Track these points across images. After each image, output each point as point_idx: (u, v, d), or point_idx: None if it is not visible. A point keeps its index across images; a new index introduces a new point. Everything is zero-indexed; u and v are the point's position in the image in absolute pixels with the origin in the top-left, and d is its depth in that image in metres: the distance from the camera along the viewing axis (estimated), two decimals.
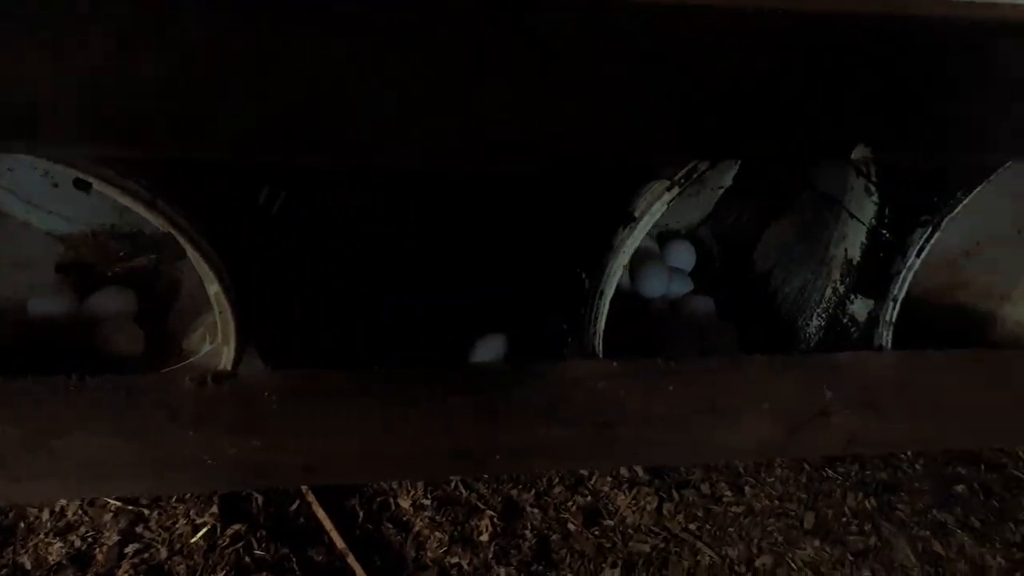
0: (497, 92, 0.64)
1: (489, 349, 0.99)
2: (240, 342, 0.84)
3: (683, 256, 1.28)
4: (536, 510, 1.33)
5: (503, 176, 0.91)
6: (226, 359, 0.86)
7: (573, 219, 0.91)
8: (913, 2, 0.70)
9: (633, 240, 0.84)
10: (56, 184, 1.10)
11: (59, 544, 1.15)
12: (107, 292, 1.03)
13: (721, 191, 1.31)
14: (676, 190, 0.81)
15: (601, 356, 0.94)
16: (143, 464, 0.89)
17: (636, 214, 0.83)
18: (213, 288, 0.79)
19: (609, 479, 1.38)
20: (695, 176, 0.79)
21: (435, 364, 0.93)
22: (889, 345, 1.04)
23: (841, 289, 1.05)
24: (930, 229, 0.93)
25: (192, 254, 0.76)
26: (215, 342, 0.91)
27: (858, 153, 0.74)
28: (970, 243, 1.32)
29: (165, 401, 0.85)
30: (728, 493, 1.38)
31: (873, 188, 0.94)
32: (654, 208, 0.82)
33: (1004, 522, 1.40)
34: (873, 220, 0.97)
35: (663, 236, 1.34)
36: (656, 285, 1.20)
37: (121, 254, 1.14)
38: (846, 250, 1.04)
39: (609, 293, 0.88)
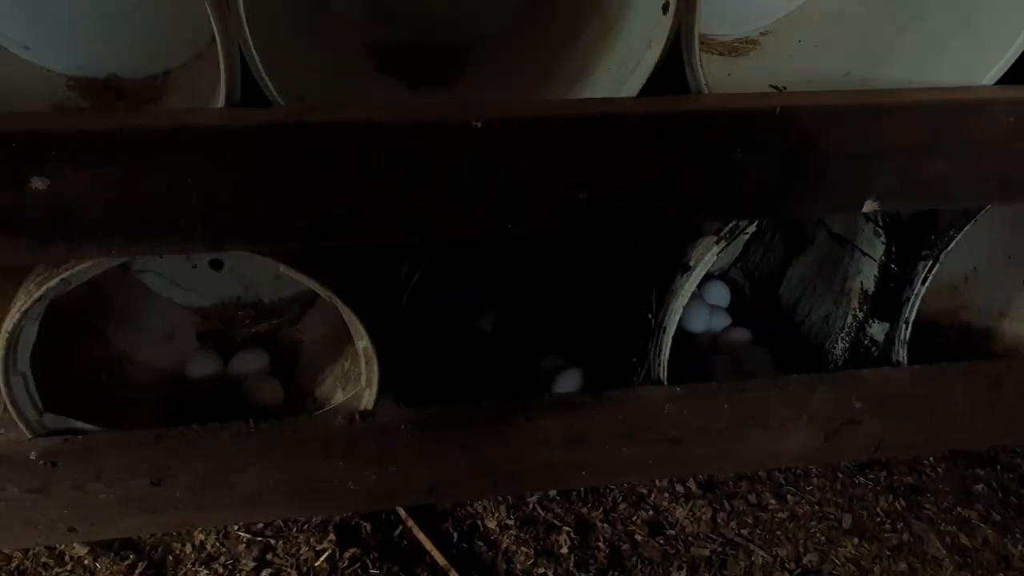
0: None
1: (568, 381, 1.19)
2: (380, 386, 1.04)
3: (720, 294, 1.49)
4: (606, 525, 1.51)
5: (584, 238, 1.11)
6: (367, 400, 1.06)
7: (641, 270, 1.12)
8: (892, 94, 0.92)
9: (690, 285, 1.04)
10: (195, 265, 1.32)
11: (205, 572, 1.33)
12: (247, 353, 1.24)
13: (747, 236, 1.52)
14: (723, 243, 1.01)
15: (666, 383, 1.13)
16: (301, 491, 1.08)
17: (691, 264, 1.04)
18: (362, 343, 0.99)
19: (667, 495, 1.56)
20: (738, 233, 1.00)
21: (528, 395, 1.13)
22: (905, 361, 1.23)
23: (860, 315, 1.25)
24: (931, 262, 1.13)
25: (348, 316, 0.97)
26: (349, 388, 1.11)
27: (868, 207, 0.95)
28: (968, 270, 1.52)
29: (320, 439, 1.04)
30: (773, 501, 1.56)
31: (881, 231, 1.15)
32: (705, 258, 1.02)
33: (1022, 515, 1.57)
34: (883, 256, 1.17)
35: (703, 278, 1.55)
36: (700, 321, 1.41)
37: (247, 321, 1.35)
38: (862, 282, 1.24)
39: (671, 329, 1.08)
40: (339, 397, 1.14)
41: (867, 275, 1.21)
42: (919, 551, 1.50)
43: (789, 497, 1.58)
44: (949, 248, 1.11)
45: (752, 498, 1.58)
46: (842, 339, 1.28)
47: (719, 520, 1.53)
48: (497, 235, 0.84)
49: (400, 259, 1.04)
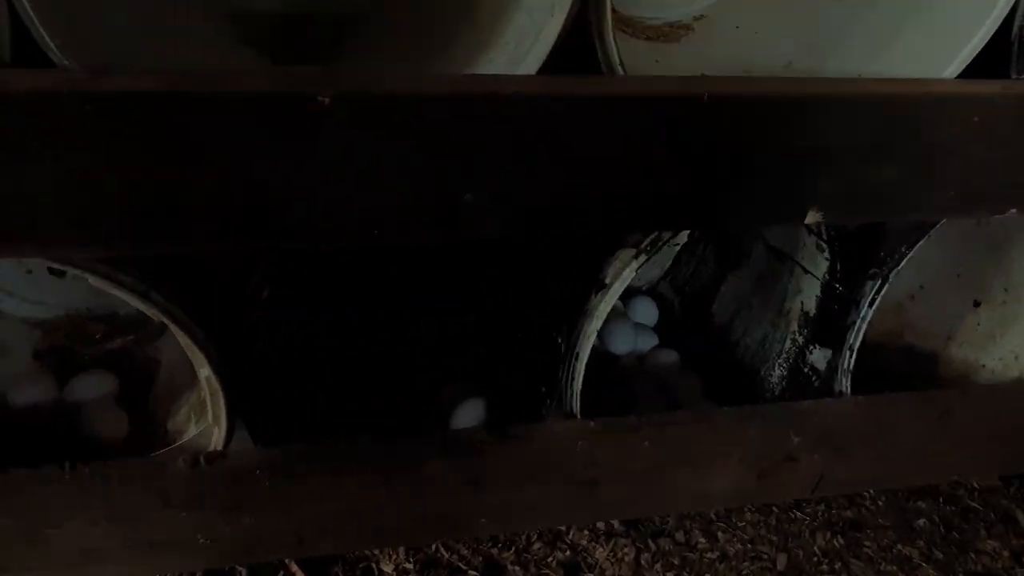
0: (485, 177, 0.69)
1: (469, 414, 1.03)
2: (230, 422, 0.86)
3: (646, 312, 1.34)
4: (518, 567, 1.35)
5: (478, 248, 0.95)
6: (216, 439, 0.88)
7: (547, 287, 0.96)
8: (838, 85, 0.77)
9: (605, 305, 0.89)
10: (30, 271, 1.12)
11: None
12: (88, 376, 1.04)
13: (677, 247, 1.37)
14: (643, 257, 0.86)
15: (579, 416, 0.98)
16: (137, 547, 0.89)
17: (607, 280, 0.88)
18: (204, 372, 0.81)
19: (587, 532, 1.41)
20: (660, 245, 0.85)
21: (418, 431, 0.96)
22: (848, 391, 1.10)
23: (800, 340, 1.11)
24: (879, 282, 1.00)
25: (184, 341, 0.78)
26: (202, 422, 0.93)
27: (811, 218, 0.80)
28: (914, 287, 1.40)
29: (157, 485, 0.86)
30: (702, 540, 1.42)
31: (824, 245, 1.01)
32: (624, 274, 0.87)
33: (965, 553, 1.46)
34: (826, 275, 1.03)
35: (626, 293, 1.40)
36: (625, 342, 1.26)
37: (97, 336, 1.15)
38: (802, 303, 1.10)
39: (584, 355, 0.92)
40: (192, 431, 0.95)
41: (808, 295, 1.08)
42: None
43: (720, 535, 1.44)
44: (899, 267, 0.98)
45: (679, 536, 1.43)
46: (779, 365, 1.14)
47: (643, 561, 1.38)
48: (357, 242, 0.67)
49: (252, 269, 0.85)
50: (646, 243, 0.86)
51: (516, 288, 1.02)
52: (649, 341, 1.29)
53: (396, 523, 0.98)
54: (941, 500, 1.57)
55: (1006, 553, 1.47)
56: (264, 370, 0.91)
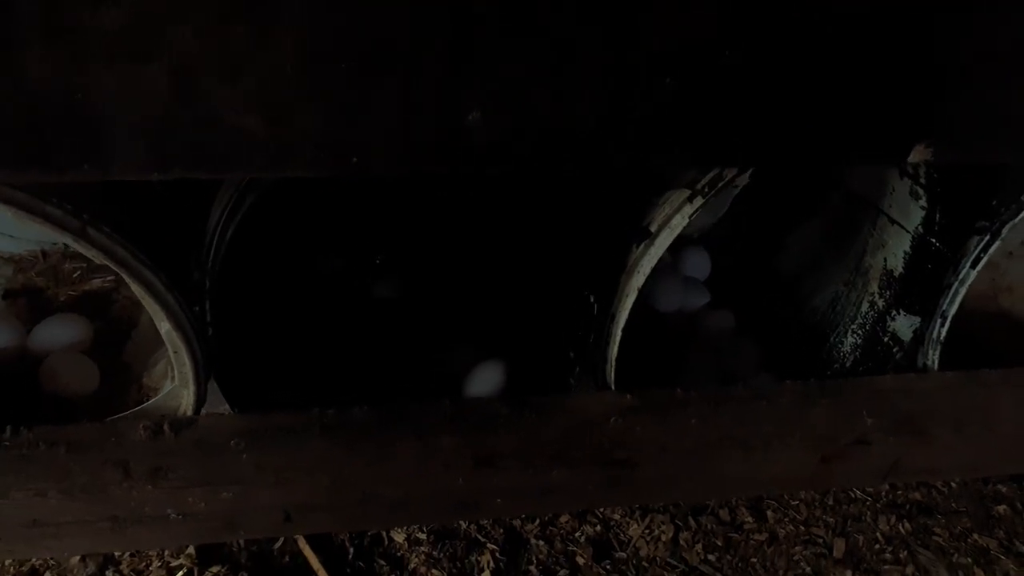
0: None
1: (486, 379, 0.88)
2: (199, 384, 0.72)
3: (698, 264, 1.17)
4: (541, 542, 1.22)
5: (495, 185, 0.80)
6: (185, 404, 0.75)
7: (578, 234, 0.80)
8: None
9: (650, 259, 0.73)
10: None
11: None
12: (55, 321, 0.92)
13: (737, 190, 1.19)
14: (700, 200, 0.69)
15: (613, 388, 0.83)
16: (99, 522, 0.78)
17: (652, 229, 0.72)
18: (164, 326, 0.67)
19: (620, 510, 1.27)
20: (721, 185, 0.68)
21: (423, 398, 0.82)
22: (936, 365, 0.92)
23: (880, 304, 0.94)
24: (988, 237, 0.82)
25: (136, 289, 0.65)
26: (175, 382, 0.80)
27: (916, 155, 0.63)
28: (1014, 243, 1.21)
29: (115, 455, 0.74)
30: (749, 519, 1.27)
31: (921, 192, 0.83)
32: (674, 222, 0.71)
33: None
34: (920, 227, 0.85)
35: (675, 241, 1.23)
36: (672, 299, 1.09)
37: (75, 276, 1.03)
38: (885, 260, 0.92)
39: (622, 318, 0.77)
40: (167, 388, 0.82)
41: (895, 251, 0.90)
42: None
43: (769, 514, 1.29)
44: (1016, 220, 0.79)
45: (724, 514, 1.29)
46: (853, 332, 0.97)
47: (682, 541, 1.24)
48: (329, 174, 0.52)
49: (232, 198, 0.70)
50: (703, 183, 0.69)
51: (541, 235, 0.86)
52: (700, 298, 1.13)
53: (396, 502, 0.85)
54: None
55: None
56: (239, 323, 0.78)
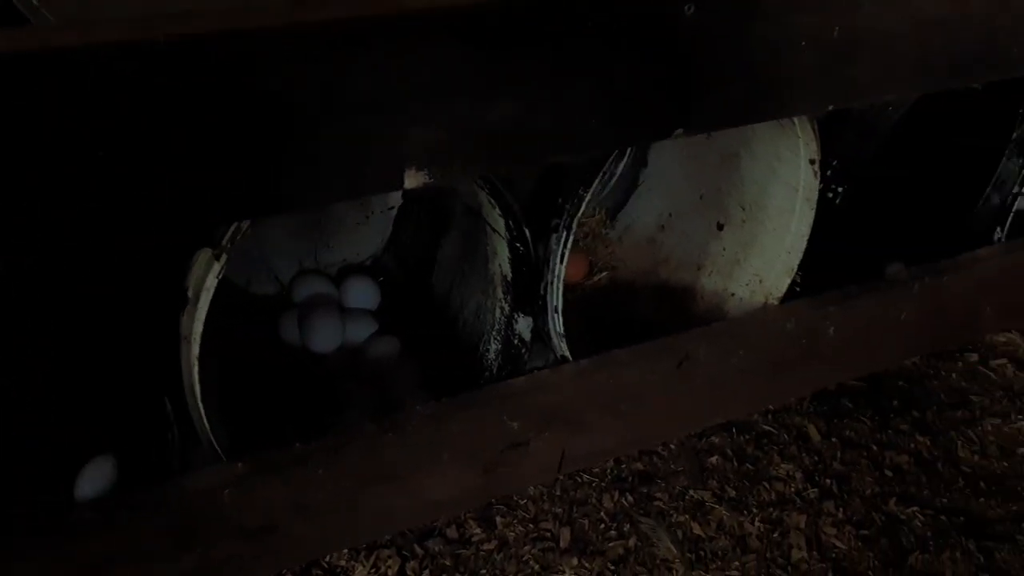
0: None
1: (95, 477, 0.82)
2: None
3: (363, 293, 1.15)
4: None
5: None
6: None
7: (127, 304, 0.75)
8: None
9: (197, 324, 0.69)
10: None
11: None
12: None
13: (393, 211, 1.19)
14: (225, 258, 0.66)
15: (224, 459, 0.79)
16: None
17: (189, 293, 0.68)
18: None
19: (345, 552, 1.23)
20: (238, 237, 0.65)
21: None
22: (569, 356, 0.95)
23: (507, 308, 0.96)
24: (564, 233, 0.84)
25: None
26: None
27: (410, 181, 0.63)
28: (663, 217, 1.27)
29: None
30: (478, 531, 1.27)
31: (494, 202, 0.84)
32: (208, 283, 0.67)
33: (758, 483, 1.38)
34: (507, 233, 0.87)
35: (343, 272, 1.20)
36: (329, 337, 1.07)
37: None
38: (500, 266, 0.94)
39: (198, 389, 0.73)
40: None
41: (503, 258, 0.92)
42: (647, 556, 1.26)
43: (498, 520, 1.30)
44: (581, 211, 0.82)
45: (451, 532, 1.27)
46: (494, 339, 0.99)
47: (409, 571, 1.22)
48: None
49: None
50: (225, 238, 0.66)
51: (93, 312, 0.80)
52: (366, 329, 1.11)
53: None
54: (734, 430, 1.48)
55: (799, 475, 1.40)
56: None
